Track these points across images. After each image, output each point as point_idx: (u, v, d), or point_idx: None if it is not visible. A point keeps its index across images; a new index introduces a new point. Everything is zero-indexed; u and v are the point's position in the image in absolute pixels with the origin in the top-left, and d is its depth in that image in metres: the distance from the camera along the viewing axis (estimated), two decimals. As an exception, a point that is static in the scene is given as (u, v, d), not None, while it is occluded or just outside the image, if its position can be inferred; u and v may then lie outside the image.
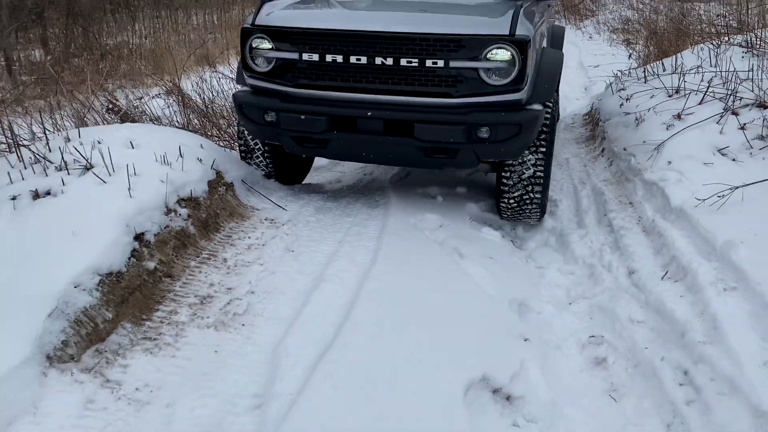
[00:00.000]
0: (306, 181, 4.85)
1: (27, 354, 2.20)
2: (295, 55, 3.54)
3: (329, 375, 2.28)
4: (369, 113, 3.49)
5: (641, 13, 12.35)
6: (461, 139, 3.46)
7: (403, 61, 3.38)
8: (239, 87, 4.03)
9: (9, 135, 3.28)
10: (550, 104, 3.80)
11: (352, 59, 3.43)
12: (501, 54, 3.37)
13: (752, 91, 4.42)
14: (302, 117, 3.55)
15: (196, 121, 5.91)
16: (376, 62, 3.40)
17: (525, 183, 3.80)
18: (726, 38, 5.35)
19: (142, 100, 5.35)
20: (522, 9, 3.57)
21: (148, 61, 11.18)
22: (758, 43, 4.92)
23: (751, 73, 4.58)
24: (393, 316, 2.66)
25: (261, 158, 4.18)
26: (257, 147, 4.15)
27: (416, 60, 3.37)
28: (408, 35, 3.37)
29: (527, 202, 3.85)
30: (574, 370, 2.69)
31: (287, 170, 4.42)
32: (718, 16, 6.65)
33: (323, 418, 2.10)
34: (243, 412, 2.20)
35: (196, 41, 12.47)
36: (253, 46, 3.66)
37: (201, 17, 15.50)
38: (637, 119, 4.74)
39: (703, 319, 2.80)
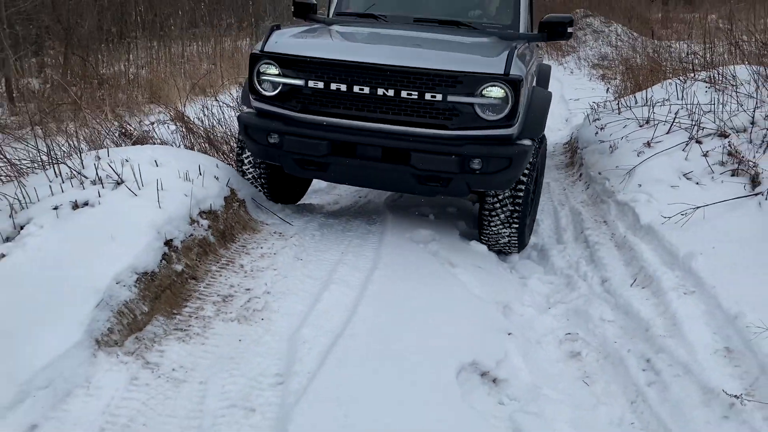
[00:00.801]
0: (307, 201, 5.25)
1: (79, 338, 2.56)
2: (301, 82, 3.77)
3: (341, 358, 2.67)
4: (368, 140, 3.72)
5: (619, 49, 13.05)
6: (455, 169, 3.69)
7: (404, 93, 3.63)
8: (244, 108, 4.23)
9: (47, 153, 3.66)
10: (537, 141, 4.09)
11: (356, 89, 3.68)
12: (495, 91, 3.62)
13: (714, 122, 4.93)
14: (305, 140, 3.77)
15: (198, 147, 6.31)
16: (378, 93, 3.65)
17: (502, 244, 4.19)
18: (692, 74, 5.90)
19: (153, 126, 5.76)
20: (516, 50, 3.79)
21: (145, 90, 11.61)
22: (719, 78, 5.46)
23: (712, 105, 5.10)
24: (393, 311, 3.07)
25: (255, 178, 4.43)
26: (252, 167, 4.39)
27: (416, 93, 3.62)
28: (410, 69, 3.62)
29: (506, 252, 4.30)
30: (552, 360, 3.09)
31: (281, 190, 4.65)
32: (687, 54, 7.24)
33: (337, 391, 2.48)
34: (267, 387, 2.57)
35: (191, 71, 12.95)
36: (261, 71, 3.87)
37: (194, 48, 15.99)
38: (611, 147, 5.24)
39: (664, 317, 3.23)
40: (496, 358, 2.87)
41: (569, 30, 4.54)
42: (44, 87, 11.80)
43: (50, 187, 3.37)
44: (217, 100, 7.53)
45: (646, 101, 5.61)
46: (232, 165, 5.82)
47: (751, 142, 4.71)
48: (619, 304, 3.52)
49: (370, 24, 4.68)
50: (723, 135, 4.86)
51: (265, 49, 3.87)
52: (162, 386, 2.55)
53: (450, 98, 3.62)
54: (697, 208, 4.04)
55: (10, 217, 3.19)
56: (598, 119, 5.92)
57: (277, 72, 3.84)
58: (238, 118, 4.10)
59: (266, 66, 3.86)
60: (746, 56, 6.06)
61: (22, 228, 3.14)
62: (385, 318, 3.00)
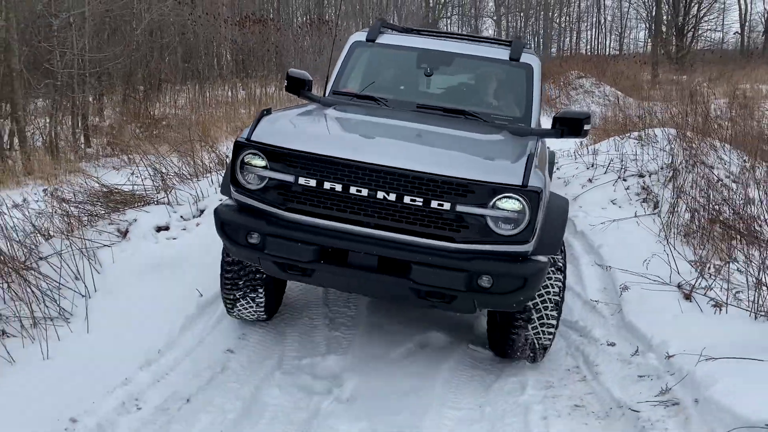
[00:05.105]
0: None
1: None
2: (290, 178, 3.49)
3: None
4: (362, 247, 3.45)
5: (605, 108, 15.80)
6: (460, 286, 3.41)
7: (407, 199, 3.38)
8: (224, 199, 3.96)
9: (204, 167, 6.25)
10: (557, 257, 3.93)
11: (352, 190, 3.42)
12: (511, 204, 3.36)
13: (636, 167, 7.54)
14: (289, 243, 3.50)
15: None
16: (378, 196, 3.40)
17: (529, 350, 4.14)
18: (627, 134, 8.59)
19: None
20: (535, 156, 3.59)
21: (194, 131, 14.34)
22: (645, 137, 8.12)
23: (636, 155, 7.73)
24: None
25: (250, 294, 4.30)
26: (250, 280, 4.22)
27: (421, 200, 3.37)
28: (415, 173, 3.37)
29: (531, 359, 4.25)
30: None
31: (275, 303, 4.64)
32: (638, 117, 9.95)
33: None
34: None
35: (231, 114, 15.75)
36: (245, 161, 3.58)
37: (228, 93, 18.90)
38: (565, 181, 7.87)
39: (576, 276, 5.76)
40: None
41: (586, 127, 4.35)
42: (108, 125, 14.50)
43: (214, 189, 5.96)
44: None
45: (594, 151, 8.27)
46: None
47: (659, 180, 7.30)
48: (554, 272, 6.05)
49: (370, 109, 4.60)
50: (640, 175, 7.47)
51: (252, 138, 3.59)
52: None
53: (459, 208, 3.38)
54: (614, 221, 6.58)
55: (194, 204, 5.76)
56: (556, 162, 8.59)
57: (263, 164, 3.56)
58: (215, 211, 3.76)
59: (251, 156, 3.58)
60: (668, 121, 8.75)
61: (201, 211, 5.71)
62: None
